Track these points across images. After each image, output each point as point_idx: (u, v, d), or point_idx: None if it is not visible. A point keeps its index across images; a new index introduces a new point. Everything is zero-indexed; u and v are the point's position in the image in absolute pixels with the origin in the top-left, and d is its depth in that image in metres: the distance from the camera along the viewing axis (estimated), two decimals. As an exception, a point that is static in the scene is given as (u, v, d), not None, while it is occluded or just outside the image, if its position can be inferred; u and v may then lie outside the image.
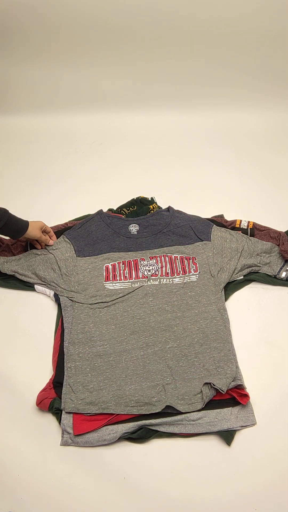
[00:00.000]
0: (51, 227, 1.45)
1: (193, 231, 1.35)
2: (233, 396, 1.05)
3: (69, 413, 1.05)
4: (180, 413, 1.04)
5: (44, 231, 1.35)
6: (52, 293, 1.30)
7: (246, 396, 1.05)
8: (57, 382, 1.12)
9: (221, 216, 1.47)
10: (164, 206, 1.53)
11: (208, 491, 0.96)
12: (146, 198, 1.55)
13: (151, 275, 1.27)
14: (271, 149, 1.77)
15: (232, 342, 1.16)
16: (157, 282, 1.26)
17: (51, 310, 1.29)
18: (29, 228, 1.28)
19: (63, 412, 1.06)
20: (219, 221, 1.42)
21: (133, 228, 1.38)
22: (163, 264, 1.30)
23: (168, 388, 1.07)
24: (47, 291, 1.31)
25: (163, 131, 1.87)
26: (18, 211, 1.26)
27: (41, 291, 1.32)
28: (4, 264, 1.33)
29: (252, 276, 1.31)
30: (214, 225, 1.38)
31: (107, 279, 1.27)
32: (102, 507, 0.95)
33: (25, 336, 1.24)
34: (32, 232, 1.29)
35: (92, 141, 1.86)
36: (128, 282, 1.27)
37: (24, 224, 1.27)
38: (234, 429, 1.02)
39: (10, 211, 1.24)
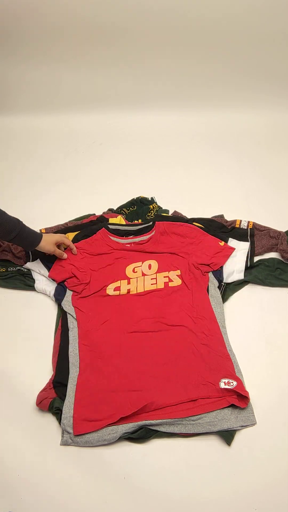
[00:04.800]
0: (51, 227, 1.45)
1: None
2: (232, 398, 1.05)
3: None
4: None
5: (63, 244, 1.33)
6: (52, 292, 1.30)
7: (245, 398, 1.05)
8: (57, 382, 1.12)
9: (221, 216, 1.47)
10: (164, 206, 1.53)
11: (208, 491, 0.96)
12: (146, 198, 1.55)
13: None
14: (271, 150, 1.77)
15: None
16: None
17: (51, 310, 1.29)
18: (42, 243, 1.25)
19: (63, 412, 1.06)
20: (219, 221, 1.42)
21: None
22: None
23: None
24: (47, 290, 1.31)
25: (163, 131, 1.87)
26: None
27: (41, 291, 1.32)
28: None
29: (251, 278, 1.31)
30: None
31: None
32: (102, 507, 0.95)
33: (25, 336, 1.24)
34: (45, 247, 1.27)
35: (92, 141, 1.86)
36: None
37: (36, 238, 1.25)
38: (234, 429, 1.02)
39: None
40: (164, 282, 1.28)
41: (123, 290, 1.27)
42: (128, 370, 1.11)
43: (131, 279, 1.30)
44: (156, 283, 1.28)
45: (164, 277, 1.29)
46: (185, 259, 1.33)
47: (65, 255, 1.34)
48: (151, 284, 1.28)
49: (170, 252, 1.35)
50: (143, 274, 1.31)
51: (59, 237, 1.31)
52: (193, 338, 1.16)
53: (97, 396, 1.07)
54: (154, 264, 1.33)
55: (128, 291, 1.27)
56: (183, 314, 1.21)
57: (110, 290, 1.28)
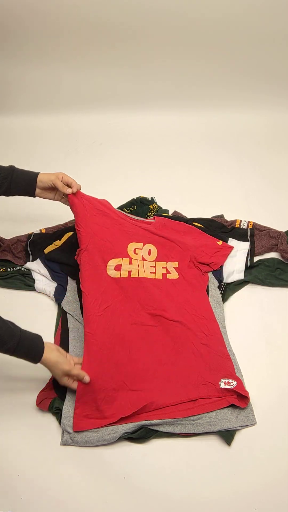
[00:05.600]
0: (52, 227, 1.45)
1: None
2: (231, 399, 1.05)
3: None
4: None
5: (66, 182, 1.20)
6: (52, 293, 1.30)
7: (245, 398, 1.05)
8: (57, 382, 1.11)
9: (221, 216, 1.47)
10: (164, 206, 1.54)
11: (208, 491, 0.96)
12: (146, 198, 1.55)
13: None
14: (271, 150, 1.77)
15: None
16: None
17: (51, 310, 1.29)
18: (40, 177, 1.16)
19: (63, 412, 1.06)
20: (219, 221, 1.42)
21: None
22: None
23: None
24: (47, 290, 1.31)
25: (163, 131, 1.87)
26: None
27: (41, 290, 1.32)
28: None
29: (251, 278, 1.31)
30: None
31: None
32: (102, 507, 0.95)
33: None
34: (44, 178, 1.16)
35: (92, 141, 1.86)
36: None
37: (32, 176, 1.16)
38: (234, 429, 1.02)
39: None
40: (162, 273, 1.26)
41: (124, 272, 1.22)
42: (129, 369, 1.11)
43: (132, 259, 1.25)
44: (155, 273, 1.25)
45: (162, 267, 1.27)
46: (184, 252, 1.31)
47: (69, 190, 1.21)
48: (151, 273, 1.25)
49: (170, 240, 1.32)
50: (143, 259, 1.27)
51: (59, 172, 1.21)
52: (193, 337, 1.15)
53: (98, 395, 1.07)
54: (154, 250, 1.29)
55: (129, 273, 1.22)
56: (184, 310, 1.20)
57: (110, 268, 1.21)
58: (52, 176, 1.18)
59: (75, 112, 1.93)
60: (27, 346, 0.99)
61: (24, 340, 0.98)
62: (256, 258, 1.36)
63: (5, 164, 1.76)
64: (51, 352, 1.02)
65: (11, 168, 1.18)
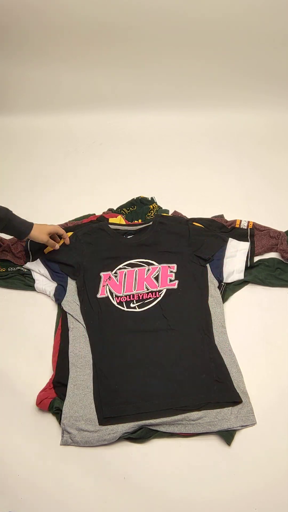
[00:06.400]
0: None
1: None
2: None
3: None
4: (180, 412, 1.04)
5: (56, 233, 1.33)
6: (52, 293, 1.30)
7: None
8: (57, 382, 1.12)
9: (221, 216, 1.47)
10: (164, 206, 1.54)
11: (208, 491, 0.96)
12: (146, 198, 1.55)
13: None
14: (271, 150, 1.77)
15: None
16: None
17: (51, 310, 1.29)
18: (33, 231, 1.25)
19: (63, 412, 1.06)
20: (219, 221, 1.42)
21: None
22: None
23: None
24: (47, 290, 1.31)
25: (163, 131, 1.87)
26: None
27: (41, 291, 1.32)
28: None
29: (251, 278, 1.31)
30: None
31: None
32: (102, 507, 0.95)
33: (25, 336, 1.24)
34: (38, 236, 1.26)
35: (92, 141, 1.86)
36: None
37: (27, 227, 1.24)
38: (234, 429, 1.02)
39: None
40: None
41: None
42: None
43: None
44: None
45: None
46: None
47: (57, 246, 1.33)
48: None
49: None
50: None
51: (52, 227, 1.30)
52: None
53: None
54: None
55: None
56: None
57: None
58: (44, 238, 1.28)
59: (75, 112, 1.93)
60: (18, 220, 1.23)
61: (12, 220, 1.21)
62: (256, 258, 1.36)
63: (5, 164, 1.79)
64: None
65: (6, 215, 1.22)
